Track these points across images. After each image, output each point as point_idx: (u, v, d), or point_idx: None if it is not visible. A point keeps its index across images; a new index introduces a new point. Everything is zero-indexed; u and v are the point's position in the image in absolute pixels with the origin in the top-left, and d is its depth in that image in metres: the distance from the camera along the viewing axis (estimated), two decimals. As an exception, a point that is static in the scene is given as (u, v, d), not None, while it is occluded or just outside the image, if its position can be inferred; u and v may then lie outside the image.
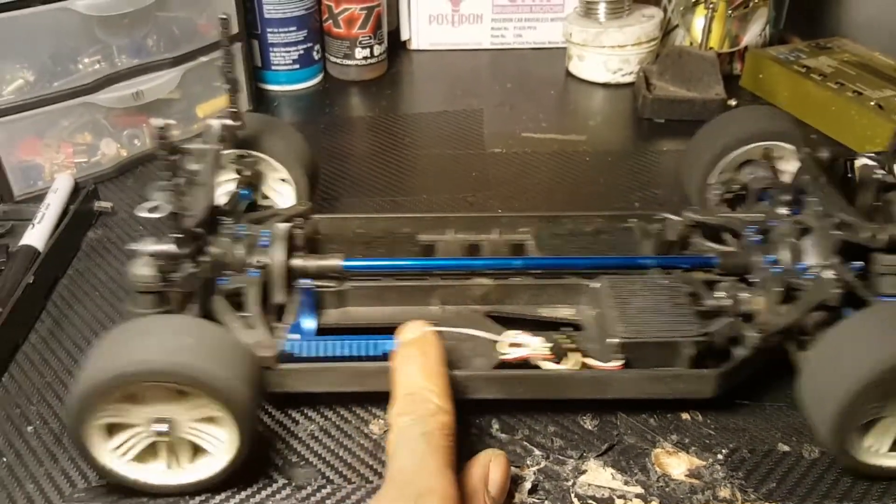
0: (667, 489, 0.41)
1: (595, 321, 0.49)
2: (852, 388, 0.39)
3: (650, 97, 0.78)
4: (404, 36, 0.94)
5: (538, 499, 0.41)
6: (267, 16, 0.80)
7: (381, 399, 0.46)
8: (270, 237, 0.49)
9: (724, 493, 0.41)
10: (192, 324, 0.40)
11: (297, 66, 0.84)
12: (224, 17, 0.49)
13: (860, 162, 0.61)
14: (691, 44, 0.84)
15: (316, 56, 0.85)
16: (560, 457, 0.43)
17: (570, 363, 0.45)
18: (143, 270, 0.42)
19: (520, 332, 0.46)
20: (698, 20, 0.82)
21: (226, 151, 0.54)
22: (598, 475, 0.42)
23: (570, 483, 0.42)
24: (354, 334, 0.46)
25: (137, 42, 0.67)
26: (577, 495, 0.41)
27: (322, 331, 0.48)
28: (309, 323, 0.48)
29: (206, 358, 0.37)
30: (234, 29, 0.74)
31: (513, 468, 0.42)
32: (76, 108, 0.65)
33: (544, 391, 0.45)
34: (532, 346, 0.45)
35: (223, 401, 0.38)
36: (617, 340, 0.45)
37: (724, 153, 0.58)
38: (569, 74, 0.89)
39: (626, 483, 0.42)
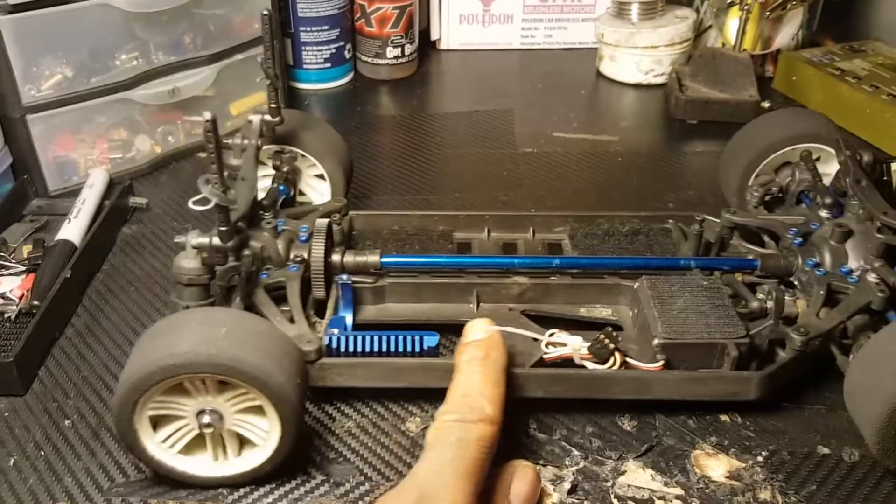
0: (707, 490, 0.41)
1: (634, 321, 0.49)
2: (887, 402, 0.38)
3: (683, 98, 0.78)
4: (434, 36, 0.94)
5: (577, 499, 0.41)
6: (300, 14, 0.81)
7: (417, 396, 0.46)
8: (310, 232, 0.49)
9: (764, 495, 0.41)
10: (234, 316, 0.40)
11: (328, 64, 0.84)
12: (267, 13, 0.50)
13: (897, 166, 0.60)
14: (724, 45, 0.84)
15: (347, 55, 0.85)
16: (599, 457, 0.43)
17: (611, 363, 0.44)
18: (188, 263, 0.42)
19: (558, 330, 0.46)
20: (732, 21, 0.82)
21: (264, 147, 0.55)
22: (638, 476, 0.42)
23: (609, 484, 0.41)
24: (391, 330, 0.45)
25: (174, 39, 0.68)
26: (616, 496, 0.41)
27: (359, 326, 0.49)
28: (348, 318, 0.48)
29: (257, 352, 0.37)
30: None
31: (551, 468, 0.42)
32: (112, 104, 0.66)
33: (585, 391, 0.44)
34: (572, 345, 0.45)
35: (271, 395, 0.38)
36: (659, 341, 0.44)
37: (765, 155, 0.57)
38: (599, 75, 0.88)
39: (665, 484, 0.41)
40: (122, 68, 0.65)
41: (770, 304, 0.46)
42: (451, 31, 0.93)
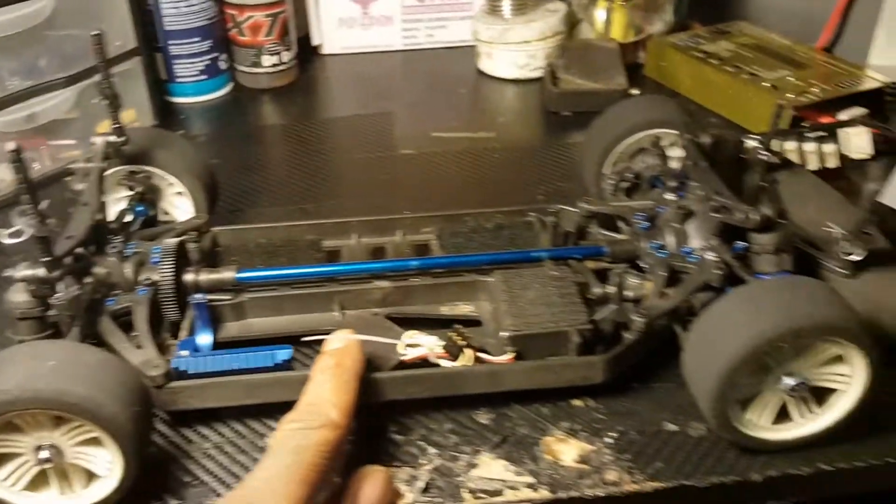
0: (555, 476, 0.42)
1: (492, 316, 0.50)
2: (725, 365, 0.40)
3: (556, 91, 0.79)
4: (315, 41, 0.93)
5: (430, 497, 0.41)
6: (168, 28, 0.79)
7: (277, 411, 0.46)
8: (160, 253, 0.48)
9: (611, 476, 0.42)
10: (63, 348, 0.39)
11: (204, 76, 0.83)
12: (97, 33, 0.49)
13: (749, 144, 0.62)
14: (600, 37, 0.86)
15: (223, 66, 0.84)
16: (454, 453, 0.44)
17: (464, 359, 0.45)
18: (17, 296, 0.42)
19: (415, 332, 0.46)
20: (600, 12, 0.84)
21: (114, 169, 0.54)
22: (490, 468, 0.43)
23: (462, 478, 0.42)
24: (255, 346, 0.45)
25: (28, 63, 0.66)
26: (469, 490, 0.41)
27: (221, 344, 0.48)
28: (204, 338, 0.48)
29: (78, 381, 0.37)
30: (131, 44, 0.73)
31: (407, 468, 0.43)
32: (-34, 134, 0.64)
33: (441, 389, 0.45)
34: (427, 345, 0.45)
35: (105, 426, 0.37)
36: (506, 334, 0.45)
37: (614, 144, 0.59)
38: (480, 72, 0.89)
39: (517, 473, 0.42)
40: (-29, 97, 0.63)
41: (613, 289, 0.47)
42: (331, 36, 0.93)
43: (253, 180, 0.70)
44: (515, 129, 0.79)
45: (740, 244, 0.48)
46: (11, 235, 0.40)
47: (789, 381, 0.41)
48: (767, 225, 0.46)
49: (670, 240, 0.50)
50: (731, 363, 0.39)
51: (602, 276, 0.50)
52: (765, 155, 0.56)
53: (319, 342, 0.45)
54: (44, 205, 0.41)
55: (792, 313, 0.39)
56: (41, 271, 0.41)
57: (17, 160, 0.38)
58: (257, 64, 0.84)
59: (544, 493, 0.41)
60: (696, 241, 0.49)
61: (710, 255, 0.47)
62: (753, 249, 0.47)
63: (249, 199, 0.68)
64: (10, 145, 0.38)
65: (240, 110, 0.83)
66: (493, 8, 0.86)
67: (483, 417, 0.46)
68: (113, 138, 0.52)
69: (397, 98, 0.85)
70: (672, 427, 0.45)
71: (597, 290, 0.48)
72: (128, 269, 0.47)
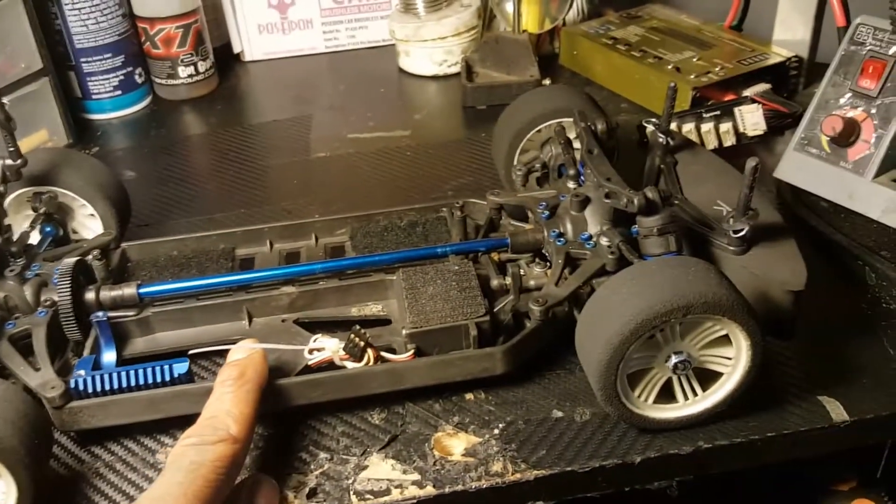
0: (442, 471, 0.43)
1: (399, 314, 0.50)
2: (604, 350, 0.41)
3: (469, 85, 0.80)
4: (236, 48, 0.93)
5: (317, 501, 0.42)
6: (79, 46, 0.79)
7: (172, 426, 0.46)
8: (57, 274, 0.48)
9: (496, 466, 0.43)
10: None
11: (119, 92, 0.83)
12: None
13: (650, 128, 0.63)
14: (512, 29, 0.86)
15: (139, 79, 0.84)
16: (344, 456, 0.44)
17: (366, 360, 0.46)
18: None
19: (319, 335, 0.47)
20: (508, 4, 0.84)
21: (19, 191, 0.55)
22: (379, 468, 0.43)
23: (350, 481, 0.43)
24: (162, 360, 0.45)
25: (-72, 90, 0.66)
26: (355, 492, 0.42)
27: (129, 361, 0.48)
28: (108, 356, 0.48)
29: None
30: (37, 65, 0.73)
31: (296, 475, 0.43)
32: None
33: (345, 391, 0.45)
34: (330, 348, 0.46)
35: None
36: (406, 331, 0.46)
37: (520, 136, 0.60)
38: (401, 71, 0.90)
39: (404, 472, 0.43)
40: None
41: (509, 280, 0.48)
42: (252, 42, 0.93)
43: (167, 193, 0.71)
44: (431, 126, 0.79)
45: (635, 228, 0.49)
46: None
47: (674, 359, 0.42)
48: (650, 208, 0.47)
49: (569, 227, 0.50)
50: (609, 348, 0.40)
51: (501, 268, 0.51)
52: (661, 137, 0.57)
53: (225, 352, 0.45)
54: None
55: (665, 293, 0.40)
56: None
57: None
58: (174, 76, 0.84)
59: (429, 490, 0.42)
60: (593, 228, 0.50)
61: (603, 241, 0.48)
62: (641, 233, 0.48)
63: (164, 212, 0.68)
64: None
65: (158, 123, 0.83)
66: (407, 6, 0.86)
67: (377, 418, 0.47)
68: (9, 161, 0.52)
69: (317, 101, 0.85)
70: (559, 413, 0.46)
71: (495, 282, 0.49)
72: (28, 292, 0.47)
